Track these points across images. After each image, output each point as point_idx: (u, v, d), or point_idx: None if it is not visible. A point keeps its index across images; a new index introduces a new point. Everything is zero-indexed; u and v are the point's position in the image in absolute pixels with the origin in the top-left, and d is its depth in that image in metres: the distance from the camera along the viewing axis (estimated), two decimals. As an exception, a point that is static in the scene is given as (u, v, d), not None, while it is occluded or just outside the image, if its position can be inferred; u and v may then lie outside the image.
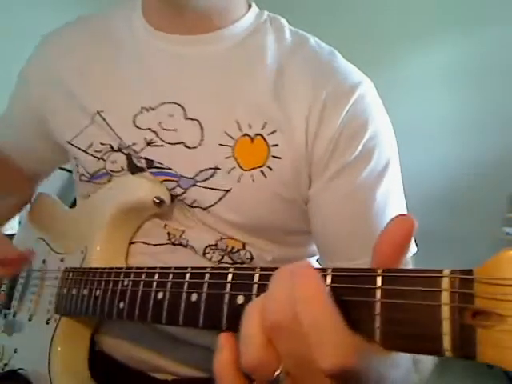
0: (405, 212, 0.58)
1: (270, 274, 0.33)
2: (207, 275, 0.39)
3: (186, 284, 0.41)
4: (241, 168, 0.55)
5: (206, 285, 0.39)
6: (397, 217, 0.29)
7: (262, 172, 0.55)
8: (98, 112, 0.61)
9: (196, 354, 0.60)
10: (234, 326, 0.36)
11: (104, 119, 0.60)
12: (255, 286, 0.34)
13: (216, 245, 0.58)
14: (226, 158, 0.55)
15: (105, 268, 0.53)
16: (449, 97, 2.00)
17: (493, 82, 1.89)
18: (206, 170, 0.56)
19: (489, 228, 1.83)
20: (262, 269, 0.35)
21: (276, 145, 0.55)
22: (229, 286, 0.36)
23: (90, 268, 0.56)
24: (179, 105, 0.58)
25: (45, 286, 0.66)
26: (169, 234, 0.59)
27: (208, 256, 0.58)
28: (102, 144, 0.61)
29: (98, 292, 0.52)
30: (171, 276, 0.43)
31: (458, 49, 1.93)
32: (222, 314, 0.36)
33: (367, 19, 2.01)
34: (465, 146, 1.98)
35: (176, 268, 0.43)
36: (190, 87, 0.58)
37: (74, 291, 0.57)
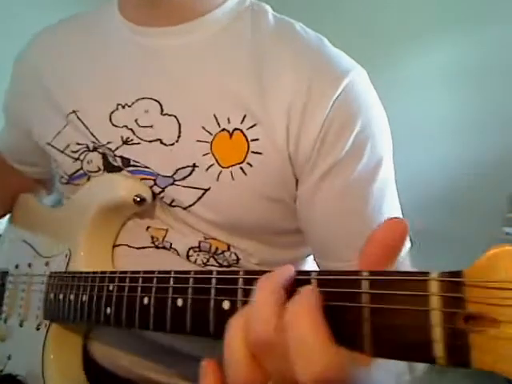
0: (399, 207, 0.56)
1: (255, 278, 0.32)
2: (191, 279, 0.37)
3: (170, 289, 0.39)
4: (219, 165, 0.52)
5: (190, 290, 0.37)
6: (390, 219, 0.27)
7: (241, 169, 0.52)
8: (74, 111, 0.59)
9: (185, 364, 0.58)
10: (222, 332, 0.34)
11: (79, 119, 0.59)
12: (240, 291, 0.33)
13: (199, 246, 0.55)
14: (204, 154, 0.53)
15: (89, 272, 0.52)
16: (449, 97, 1.98)
17: (493, 81, 1.87)
18: (183, 167, 0.53)
19: (489, 228, 1.80)
20: (245, 272, 0.33)
21: (256, 139, 0.51)
22: (213, 290, 0.35)
23: (75, 272, 0.55)
24: (155, 100, 0.55)
25: (32, 291, 0.65)
26: (152, 237, 0.57)
27: (192, 259, 0.56)
28: (78, 144, 0.60)
29: (84, 297, 0.51)
30: (155, 280, 0.41)
31: (458, 49, 1.92)
32: (208, 320, 0.35)
33: (367, 19, 1.98)
34: (465, 146, 1.96)
35: (159, 272, 0.41)
36: (167, 81, 0.56)
37: (61, 296, 0.55)
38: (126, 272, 0.45)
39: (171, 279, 0.39)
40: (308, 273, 0.28)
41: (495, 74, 1.85)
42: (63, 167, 0.62)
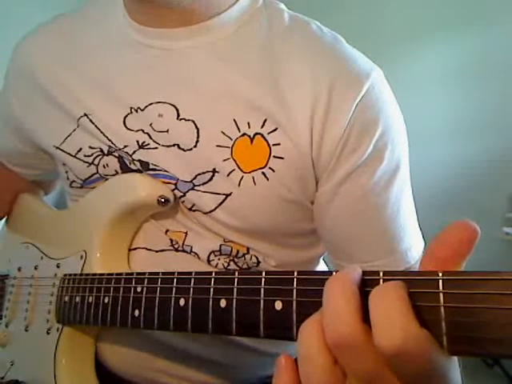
0: (414, 209, 0.57)
1: (313, 279, 0.32)
2: (236, 280, 0.37)
3: (212, 289, 0.38)
4: (241, 170, 0.51)
5: (235, 290, 0.37)
6: (461, 221, 0.27)
7: (263, 174, 0.51)
8: (86, 115, 0.57)
9: (200, 368, 0.58)
10: (273, 331, 0.34)
11: (92, 122, 0.57)
12: (294, 291, 0.33)
13: (220, 250, 0.55)
14: (225, 160, 0.52)
15: (111, 274, 0.50)
16: (449, 97, 1.98)
17: (493, 81, 1.87)
18: (203, 173, 0.52)
19: (489, 228, 1.83)
20: (299, 272, 0.33)
21: (278, 144, 0.51)
22: (263, 290, 0.35)
23: (94, 274, 0.53)
24: (171, 104, 0.54)
25: (40, 294, 0.62)
26: (171, 240, 0.56)
27: (213, 263, 0.55)
28: (91, 148, 0.57)
29: (106, 299, 0.49)
30: (193, 281, 0.40)
31: (458, 49, 1.92)
32: (258, 320, 0.34)
33: (366, 19, 1.97)
34: (464, 145, 1.96)
35: (197, 273, 0.41)
36: (181, 85, 0.54)
37: (78, 299, 0.53)
38: (157, 273, 0.44)
39: (212, 280, 0.39)
40: (376, 273, 0.28)
41: (495, 74, 1.85)
42: (75, 171, 0.60)
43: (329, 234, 0.55)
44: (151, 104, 0.54)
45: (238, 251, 0.55)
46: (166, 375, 0.58)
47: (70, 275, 0.57)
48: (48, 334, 0.59)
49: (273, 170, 0.51)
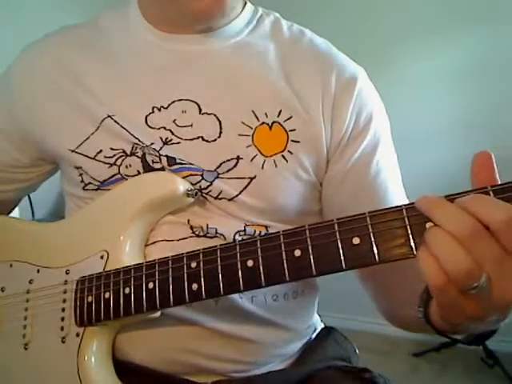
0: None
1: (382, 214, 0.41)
2: (307, 231, 0.44)
3: (282, 245, 0.45)
4: (262, 155, 0.59)
5: (308, 239, 0.44)
6: (478, 153, 0.41)
7: (283, 157, 0.59)
8: (110, 116, 0.60)
9: (233, 346, 0.61)
10: (353, 263, 0.42)
11: (117, 123, 0.60)
12: (370, 227, 0.41)
13: (244, 230, 0.60)
14: (247, 147, 0.59)
15: (152, 260, 0.53)
16: (448, 96, 1.98)
17: (493, 81, 1.88)
18: (227, 160, 0.58)
19: None
20: (369, 212, 0.42)
21: (293, 129, 0.59)
22: (337, 233, 0.42)
23: (127, 267, 0.54)
24: (192, 101, 0.60)
25: (43, 305, 0.61)
26: (192, 227, 0.59)
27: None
28: (112, 149, 0.60)
29: (150, 285, 0.52)
30: (259, 242, 0.46)
31: (458, 48, 1.93)
32: (338, 255, 0.42)
33: (367, 19, 1.98)
34: (464, 145, 1.81)
35: (261, 236, 0.47)
36: (201, 83, 0.61)
37: (108, 295, 0.54)
38: (214, 246, 0.49)
39: (281, 236, 0.45)
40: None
41: (495, 74, 1.88)
42: (92, 173, 0.61)
43: (334, 211, 0.63)
44: (174, 102, 0.60)
45: (260, 232, 0.61)
46: (196, 355, 0.59)
47: (90, 276, 0.57)
48: (63, 342, 0.58)
49: (291, 153, 0.59)
